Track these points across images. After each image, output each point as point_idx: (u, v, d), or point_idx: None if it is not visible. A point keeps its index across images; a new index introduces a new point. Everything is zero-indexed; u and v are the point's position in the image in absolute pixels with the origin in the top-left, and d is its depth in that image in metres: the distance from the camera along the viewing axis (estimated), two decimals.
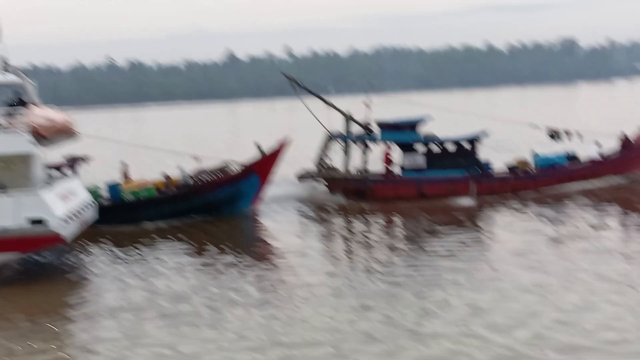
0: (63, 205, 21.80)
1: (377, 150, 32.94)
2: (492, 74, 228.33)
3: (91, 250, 24.42)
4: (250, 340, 15.05)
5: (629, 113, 65.62)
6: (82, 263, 22.93)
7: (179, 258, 22.68)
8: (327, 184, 32.20)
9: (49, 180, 23.47)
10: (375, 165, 32.44)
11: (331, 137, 32.45)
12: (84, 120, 31.11)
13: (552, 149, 33.14)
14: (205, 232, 26.54)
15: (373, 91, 33.04)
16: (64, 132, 23.92)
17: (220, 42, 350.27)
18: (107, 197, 28.24)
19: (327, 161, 32.61)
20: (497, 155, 33.77)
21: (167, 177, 29.30)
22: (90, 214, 24.55)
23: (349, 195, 31.25)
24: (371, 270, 19.96)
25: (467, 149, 31.28)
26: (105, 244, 25.21)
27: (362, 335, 14.92)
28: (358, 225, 27.22)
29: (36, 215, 20.53)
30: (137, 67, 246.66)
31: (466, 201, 29.39)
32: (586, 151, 32.21)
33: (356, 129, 32.64)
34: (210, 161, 30.02)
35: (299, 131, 35.51)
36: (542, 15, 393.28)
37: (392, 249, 22.61)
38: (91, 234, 25.41)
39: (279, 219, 28.60)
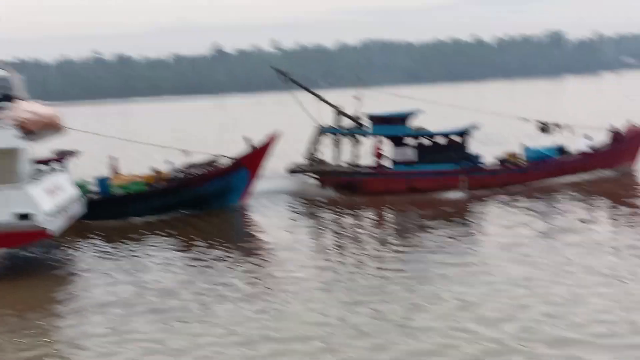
0: (50, 200, 21.66)
1: (367, 144, 32.88)
2: (481, 67, 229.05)
3: (79, 245, 24.26)
4: (239, 335, 14.99)
5: (617, 106, 66.02)
6: (70, 258, 22.80)
7: (167, 253, 22.59)
8: (317, 177, 32.15)
9: (36, 175, 23.30)
10: (366, 158, 32.42)
11: (322, 130, 32.39)
12: (71, 114, 30.87)
13: (542, 142, 33.19)
14: (194, 226, 26.43)
15: (362, 85, 32.95)
16: (51, 127, 23.76)
17: (208, 36, 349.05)
18: (97, 191, 28.09)
19: (318, 155, 32.56)
20: (486, 149, 33.76)
21: (157, 172, 29.18)
22: (78, 209, 24.40)
23: (339, 189, 31.20)
24: (361, 264, 19.92)
25: (457, 143, 31.27)
26: (93, 238, 25.06)
27: (351, 330, 14.89)
28: (348, 219, 27.18)
29: (23, 210, 20.37)
30: (124, 61, 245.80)
31: (457, 195, 29.39)
32: (576, 144, 32.28)
33: (347, 123, 32.61)
34: (200, 155, 29.91)
35: (288, 125, 35.42)
36: (529, 7, 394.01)
37: (382, 243, 22.57)
38: (80, 228, 25.26)
39: (269, 213, 28.50)
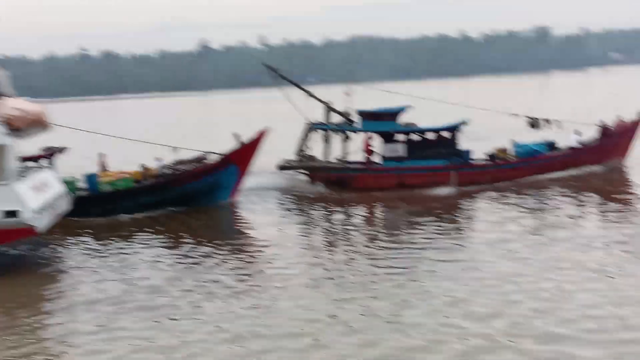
0: (37, 197, 21.52)
1: (357, 140, 32.87)
2: (467, 63, 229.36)
3: (68, 242, 24.13)
4: (229, 332, 14.96)
5: (604, 102, 66.34)
6: (59, 255, 22.65)
7: (156, 250, 22.49)
8: (307, 174, 32.11)
9: (23, 172, 23.14)
10: (356, 155, 32.41)
11: (312, 127, 32.34)
12: (58, 111, 30.65)
13: (531, 138, 33.27)
14: (183, 223, 26.34)
15: (349, 81, 32.93)
16: (38, 124, 23.58)
17: (196, 33, 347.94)
18: (85, 188, 27.94)
19: (308, 151, 32.52)
20: (475, 145, 33.75)
21: (145, 168, 29.06)
22: (64, 206, 24.25)
23: (329, 185, 31.18)
24: (351, 261, 19.91)
25: (447, 139, 31.31)
26: (81, 236, 24.93)
27: (341, 326, 14.89)
28: (338, 216, 27.16)
29: (9, 207, 20.23)
30: (110, 58, 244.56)
31: (447, 191, 29.41)
32: (566, 140, 32.37)
33: (336, 119, 32.58)
34: (188, 152, 29.77)
35: (277, 121, 35.29)
36: (515, 2, 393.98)
37: (372, 239, 22.58)
38: (68, 225, 25.12)
39: (258, 209, 28.42)
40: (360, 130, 32.17)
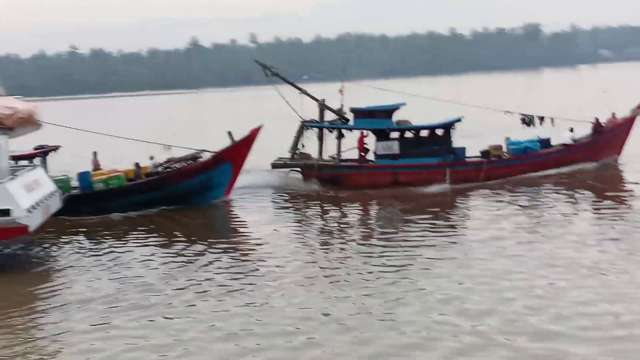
0: (28, 195, 21.42)
1: (351, 138, 32.85)
2: (457, 61, 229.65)
3: (61, 241, 24.03)
4: (223, 330, 14.93)
5: (595, 99, 66.53)
6: (52, 254, 22.55)
7: (150, 249, 22.42)
8: (301, 171, 32.07)
9: (14, 171, 23.03)
10: (350, 152, 32.38)
11: (305, 124, 32.29)
12: (49, 109, 30.56)
13: (524, 135, 33.29)
14: (176, 222, 26.27)
15: (340, 79, 32.84)
16: (28, 122, 23.48)
17: (184, 30, 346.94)
18: (78, 186, 27.83)
19: (302, 149, 32.48)
20: (469, 142, 33.79)
21: (138, 166, 28.97)
22: (56, 204, 24.14)
23: (323, 183, 31.15)
24: (345, 258, 19.91)
25: (441, 136, 31.31)
26: (75, 234, 24.84)
27: (335, 324, 14.87)
28: (332, 213, 27.16)
29: (1, 206, 20.13)
30: (100, 56, 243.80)
31: (441, 188, 29.42)
32: (560, 137, 32.41)
33: (330, 117, 32.54)
34: (181, 150, 29.70)
35: (267, 119, 35.17)
36: (506, 0, 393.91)
37: (365, 237, 22.60)
38: (61, 224, 25.01)
39: (252, 207, 28.36)
40: (354, 128, 32.14)
